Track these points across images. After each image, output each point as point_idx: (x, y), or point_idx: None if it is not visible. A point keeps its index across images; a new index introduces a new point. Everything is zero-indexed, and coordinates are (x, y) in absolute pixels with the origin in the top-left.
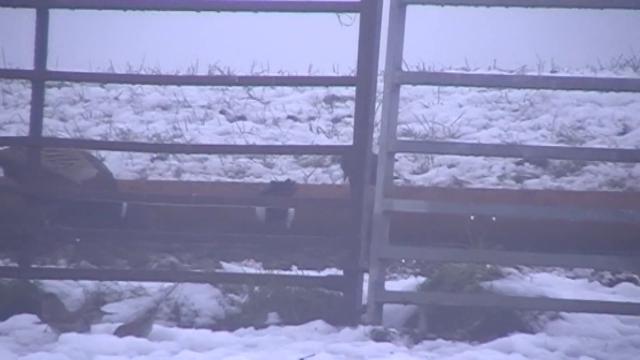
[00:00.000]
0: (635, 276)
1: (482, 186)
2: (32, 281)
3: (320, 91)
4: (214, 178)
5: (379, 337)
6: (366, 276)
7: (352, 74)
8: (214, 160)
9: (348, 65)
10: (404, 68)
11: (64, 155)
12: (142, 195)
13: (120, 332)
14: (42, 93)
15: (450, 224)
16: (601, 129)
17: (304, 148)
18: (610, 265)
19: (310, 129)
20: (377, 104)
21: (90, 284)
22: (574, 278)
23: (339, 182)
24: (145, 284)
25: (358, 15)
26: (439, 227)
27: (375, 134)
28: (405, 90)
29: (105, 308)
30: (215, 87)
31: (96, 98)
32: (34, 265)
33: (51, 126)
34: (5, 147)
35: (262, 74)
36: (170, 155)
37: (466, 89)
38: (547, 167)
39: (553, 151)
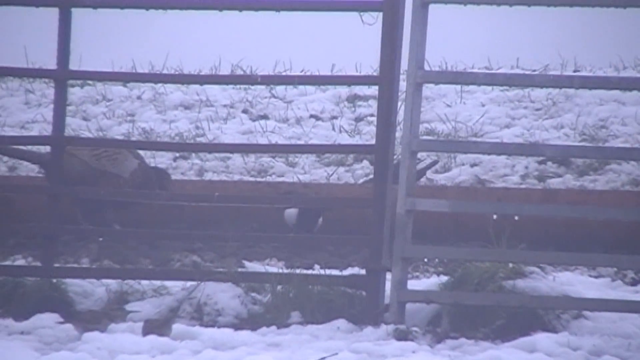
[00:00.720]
0: None
1: (505, 185)
2: (54, 280)
3: (343, 90)
4: (236, 177)
5: (401, 336)
6: (389, 275)
7: (375, 73)
8: (236, 159)
9: (370, 65)
10: (427, 67)
11: (108, 152)
12: (165, 194)
13: (144, 331)
14: (65, 92)
15: (473, 223)
16: (624, 128)
17: (327, 147)
18: (634, 264)
19: (333, 128)
20: (399, 103)
21: (113, 283)
22: (596, 277)
23: (361, 181)
24: (168, 283)
25: (380, 14)
26: (461, 226)
27: (398, 133)
28: (428, 89)
29: (128, 307)
30: (238, 86)
31: (119, 97)
32: (56, 265)
33: (74, 125)
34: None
35: (284, 73)
36: (193, 155)
37: (489, 88)
38: (570, 167)
39: (576, 150)
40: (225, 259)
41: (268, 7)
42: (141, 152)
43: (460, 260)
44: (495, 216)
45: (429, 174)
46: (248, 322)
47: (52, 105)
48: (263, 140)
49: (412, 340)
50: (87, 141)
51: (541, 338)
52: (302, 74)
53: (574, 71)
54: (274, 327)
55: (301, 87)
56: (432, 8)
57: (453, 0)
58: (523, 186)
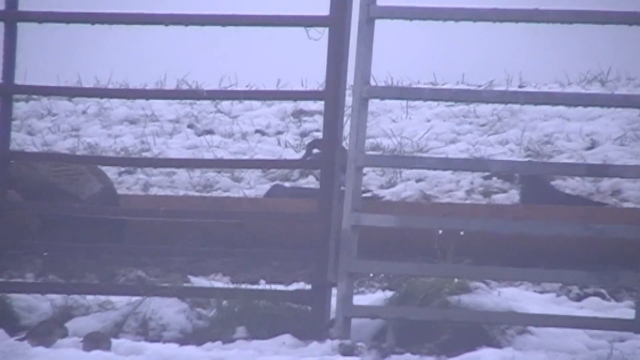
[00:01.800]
0: (603, 291)
1: (450, 201)
2: None
3: (289, 105)
4: (182, 192)
5: (346, 351)
6: (334, 290)
7: (321, 88)
8: (181, 174)
9: (316, 80)
10: (373, 82)
11: (69, 171)
12: (111, 209)
13: (85, 346)
14: (10, 107)
15: (418, 238)
16: (569, 143)
17: (272, 162)
18: (578, 279)
19: (278, 143)
20: (345, 119)
21: (58, 298)
22: (541, 292)
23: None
24: (113, 298)
25: (326, 29)
26: (407, 242)
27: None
28: (374, 104)
29: (72, 322)
30: (184, 101)
31: (64, 112)
32: (1, 279)
33: (19, 140)
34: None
35: (230, 88)
36: (138, 170)
37: (434, 103)
38: (515, 182)
39: (521, 166)
40: (171, 274)
41: (214, 22)
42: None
43: (405, 276)
44: (440, 231)
45: (374, 189)
46: (193, 337)
47: None
48: (208, 155)
49: (357, 355)
50: (33, 156)
51: (486, 353)
52: (247, 89)
53: (519, 87)
54: (219, 342)
55: (247, 102)
56: (378, 23)
57: (399, 16)
58: (468, 201)
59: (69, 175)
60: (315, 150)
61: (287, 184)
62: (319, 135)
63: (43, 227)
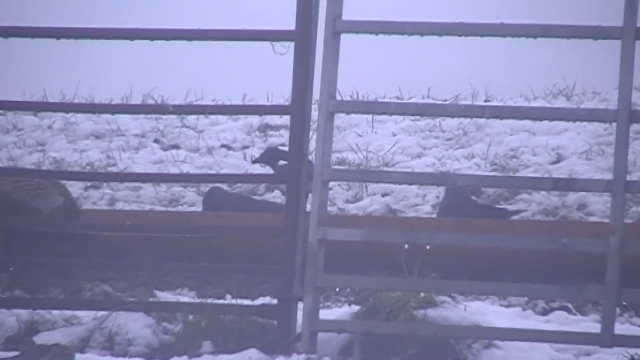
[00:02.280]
0: (569, 305)
1: (417, 215)
2: None
3: (255, 120)
4: (147, 207)
5: None
6: (300, 305)
7: (287, 103)
8: (147, 189)
9: (282, 94)
10: (338, 97)
11: (31, 185)
12: (76, 224)
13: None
14: None
15: (385, 252)
16: (535, 157)
17: (238, 177)
18: (544, 293)
19: (245, 158)
20: (311, 133)
21: (24, 313)
22: (507, 307)
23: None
24: (79, 313)
25: (292, 44)
26: (373, 256)
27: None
28: (340, 119)
29: (38, 337)
30: (149, 115)
31: (29, 127)
32: None
33: None
34: None
35: (196, 103)
36: (104, 184)
37: (400, 118)
38: (481, 196)
39: (487, 180)
40: (137, 289)
41: (179, 36)
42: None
43: (372, 290)
44: (407, 245)
45: (340, 203)
46: (159, 351)
47: None
48: (174, 170)
49: None
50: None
51: None
52: (213, 103)
53: (485, 101)
54: (185, 357)
55: (213, 116)
56: (344, 38)
57: (365, 30)
58: (434, 216)
59: (31, 189)
60: (281, 162)
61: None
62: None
63: (5, 242)
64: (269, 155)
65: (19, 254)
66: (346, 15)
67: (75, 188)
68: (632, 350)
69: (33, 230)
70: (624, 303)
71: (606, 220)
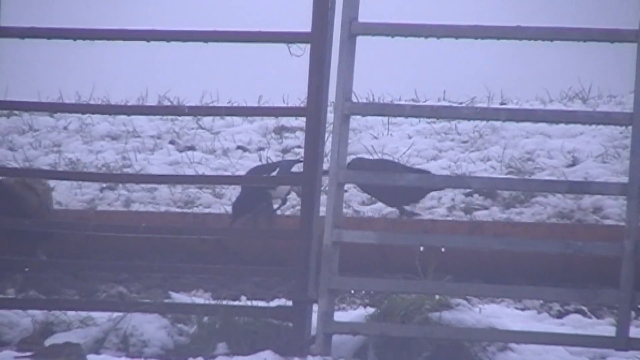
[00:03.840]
0: (584, 308)
1: (432, 217)
2: None
3: (270, 122)
4: (163, 208)
5: None
6: (315, 307)
7: (302, 105)
8: (163, 190)
9: (298, 96)
10: (354, 99)
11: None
12: (91, 225)
13: None
14: None
15: (399, 255)
16: (550, 160)
17: (253, 179)
18: (559, 296)
19: (260, 160)
20: (326, 135)
21: (38, 314)
22: (522, 309)
23: (288, 212)
24: (94, 314)
25: (308, 46)
26: (388, 258)
27: (325, 165)
28: (355, 121)
29: (53, 338)
30: (165, 117)
31: (45, 128)
32: None
33: (0, 156)
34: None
35: (211, 104)
36: (120, 185)
37: (416, 120)
38: (496, 199)
39: (502, 183)
40: (152, 290)
41: (196, 38)
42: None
43: (386, 292)
44: (422, 248)
45: (355, 205)
46: (174, 353)
47: None
48: (190, 172)
49: None
50: (15, 172)
51: None
52: (229, 105)
53: (501, 104)
54: (200, 358)
55: (228, 118)
56: (360, 40)
57: (381, 33)
58: (449, 218)
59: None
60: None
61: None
62: (300, 152)
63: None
64: (284, 170)
65: (33, 256)
66: (362, 18)
67: (90, 189)
68: None
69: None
70: (639, 306)
71: (622, 224)
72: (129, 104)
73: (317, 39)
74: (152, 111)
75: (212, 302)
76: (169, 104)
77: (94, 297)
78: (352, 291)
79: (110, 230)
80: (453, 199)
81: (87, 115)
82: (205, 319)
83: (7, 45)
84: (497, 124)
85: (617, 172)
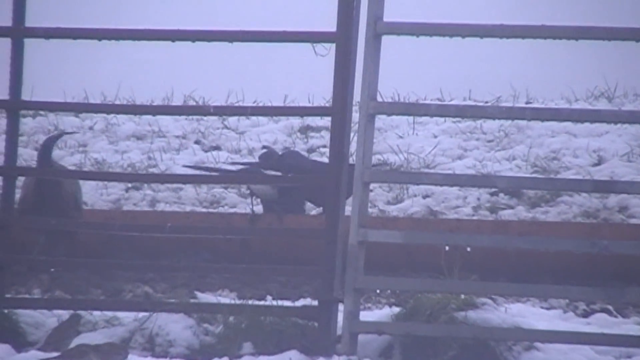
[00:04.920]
0: (610, 307)
1: (457, 217)
2: (6, 311)
3: (296, 121)
4: (188, 208)
5: None
6: (341, 306)
7: (327, 104)
8: (188, 190)
9: (323, 96)
10: (379, 98)
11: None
12: (117, 225)
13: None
14: (17, 123)
15: (425, 254)
16: (576, 159)
17: (279, 178)
18: (585, 295)
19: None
20: (352, 134)
21: (64, 314)
22: (548, 309)
23: (314, 212)
24: (119, 314)
25: (333, 45)
26: (414, 258)
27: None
28: (380, 120)
29: (80, 338)
30: (190, 117)
31: (71, 128)
32: (7, 295)
33: (26, 156)
34: None
35: (237, 104)
36: (145, 185)
37: (441, 119)
38: (522, 198)
39: (528, 182)
40: (177, 290)
41: (221, 38)
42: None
43: (412, 292)
44: (447, 247)
45: (381, 205)
46: (200, 352)
47: (4, 136)
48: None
49: None
50: (39, 172)
51: None
52: (254, 104)
53: (526, 103)
54: (226, 358)
55: (253, 118)
56: (385, 39)
57: (406, 32)
58: (475, 217)
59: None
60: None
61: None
62: (326, 151)
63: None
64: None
65: (58, 255)
66: (387, 17)
67: (116, 189)
68: None
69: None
70: None
71: None
72: (155, 104)
73: (341, 39)
74: (177, 111)
75: (238, 301)
76: (194, 103)
77: (120, 297)
78: (378, 290)
79: (136, 230)
80: (478, 199)
81: (112, 115)
82: (231, 318)
83: (33, 46)
84: (523, 123)
85: None
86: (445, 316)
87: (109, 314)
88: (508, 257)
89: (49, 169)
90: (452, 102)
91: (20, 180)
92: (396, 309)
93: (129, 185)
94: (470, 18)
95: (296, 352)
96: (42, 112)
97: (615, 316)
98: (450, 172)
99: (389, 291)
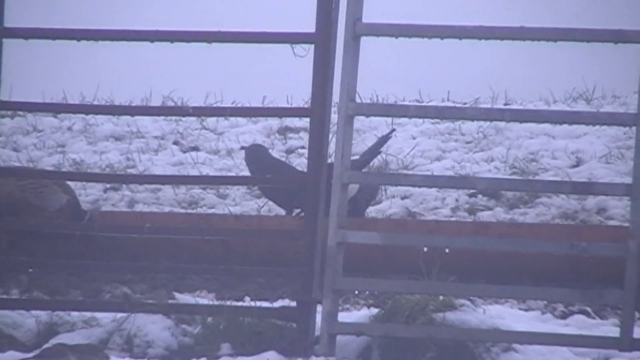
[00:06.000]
0: (588, 309)
1: (436, 218)
2: None
3: (274, 122)
4: (167, 209)
5: None
6: (319, 307)
7: (306, 105)
8: (167, 190)
9: (301, 97)
10: (358, 99)
11: (34, 184)
12: (95, 225)
13: None
14: None
15: (403, 255)
16: (554, 161)
17: (257, 179)
18: (563, 297)
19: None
20: (330, 136)
21: (43, 315)
22: (526, 310)
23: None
24: (98, 315)
25: (312, 46)
26: (392, 259)
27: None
28: (359, 121)
29: (57, 338)
30: (169, 117)
31: (49, 128)
32: None
33: (4, 156)
34: None
35: (215, 105)
36: (124, 186)
37: (420, 120)
38: (500, 200)
39: (506, 183)
40: (156, 291)
41: (199, 38)
42: (71, 184)
43: (390, 293)
44: (425, 249)
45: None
46: (178, 353)
47: None
48: (194, 172)
49: None
50: (17, 171)
51: None
52: (233, 105)
53: (505, 104)
54: (204, 359)
55: (232, 119)
56: (364, 40)
57: (385, 33)
58: (454, 219)
59: (34, 189)
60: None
61: None
62: (304, 152)
63: (11, 243)
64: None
65: (38, 256)
66: (366, 18)
67: (94, 190)
68: None
69: (49, 232)
70: None
71: (626, 224)
72: (133, 104)
73: (320, 40)
74: (156, 112)
75: (217, 302)
76: (173, 104)
77: (98, 297)
78: (357, 292)
79: (115, 230)
80: (457, 200)
81: (91, 115)
82: (210, 319)
83: (11, 46)
84: (501, 124)
85: (621, 172)
86: (424, 317)
87: (87, 314)
88: (487, 258)
89: (33, 170)
90: (431, 104)
91: None
92: (375, 310)
93: (108, 186)
94: (449, 20)
95: (274, 353)
96: (20, 113)
97: (594, 318)
98: (428, 173)
99: (367, 292)
